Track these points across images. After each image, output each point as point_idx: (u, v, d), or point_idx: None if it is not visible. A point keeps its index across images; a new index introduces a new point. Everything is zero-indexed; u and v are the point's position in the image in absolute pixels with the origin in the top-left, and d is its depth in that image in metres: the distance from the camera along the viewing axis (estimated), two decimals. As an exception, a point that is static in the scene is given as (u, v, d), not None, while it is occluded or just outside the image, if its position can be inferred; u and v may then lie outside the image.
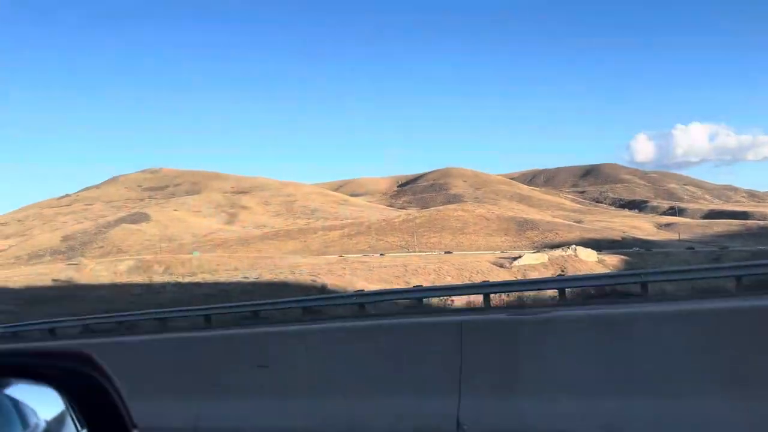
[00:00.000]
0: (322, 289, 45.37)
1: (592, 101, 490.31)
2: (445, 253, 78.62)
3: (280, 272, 57.77)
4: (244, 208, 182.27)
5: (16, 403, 1.41)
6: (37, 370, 1.35)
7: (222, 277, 58.44)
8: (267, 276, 53.42)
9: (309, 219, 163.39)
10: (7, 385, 1.43)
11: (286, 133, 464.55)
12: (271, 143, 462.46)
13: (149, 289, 48.40)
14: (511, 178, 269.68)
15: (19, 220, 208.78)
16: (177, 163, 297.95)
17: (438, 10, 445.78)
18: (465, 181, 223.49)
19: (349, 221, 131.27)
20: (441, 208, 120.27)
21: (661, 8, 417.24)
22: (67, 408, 1.35)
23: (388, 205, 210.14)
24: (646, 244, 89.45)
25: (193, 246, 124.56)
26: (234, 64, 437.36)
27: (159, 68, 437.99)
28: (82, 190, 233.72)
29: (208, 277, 58.36)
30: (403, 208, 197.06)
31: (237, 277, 57.08)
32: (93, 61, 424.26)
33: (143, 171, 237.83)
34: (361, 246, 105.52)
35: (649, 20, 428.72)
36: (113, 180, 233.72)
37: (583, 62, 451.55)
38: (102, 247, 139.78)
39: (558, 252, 69.47)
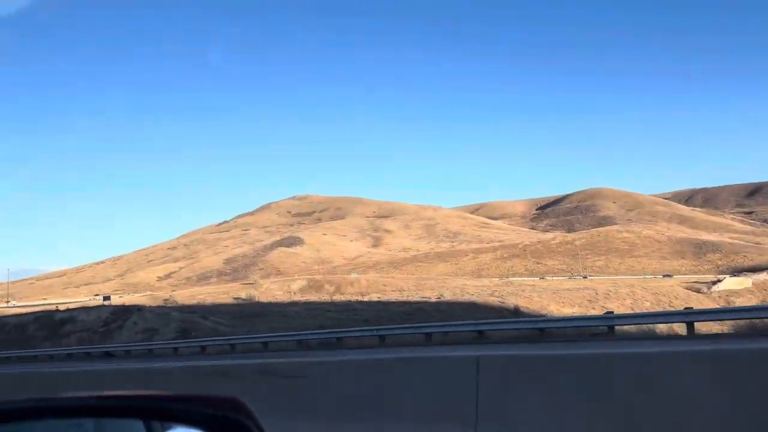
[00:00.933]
0: (516, 311, 43.43)
1: (744, 116, 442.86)
2: (664, 276, 73.01)
3: (457, 293, 56.70)
4: (387, 231, 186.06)
5: None
6: (191, 415, 1.40)
7: (394, 296, 58.45)
8: (448, 296, 52.54)
9: (452, 242, 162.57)
10: (166, 428, 1.49)
11: (419, 157, 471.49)
12: (406, 168, 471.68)
13: (338, 306, 49.46)
14: (664, 199, 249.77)
15: (185, 245, 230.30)
16: (321, 190, 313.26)
17: (581, 25, 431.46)
18: (614, 202, 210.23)
19: (499, 244, 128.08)
20: (602, 229, 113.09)
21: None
22: None
23: (530, 228, 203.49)
24: None
25: (345, 268, 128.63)
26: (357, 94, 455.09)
27: (300, 99, 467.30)
28: (238, 217, 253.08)
29: (383, 297, 58.78)
30: (547, 231, 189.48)
31: (413, 297, 56.78)
32: (243, 94, 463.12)
33: (292, 198, 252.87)
34: (518, 269, 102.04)
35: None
36: (265, 207, 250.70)
37: (720, 76, 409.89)
38: (262, 269, 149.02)
39: (762, 276, 61.59)
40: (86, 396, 1.39)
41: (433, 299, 52.42)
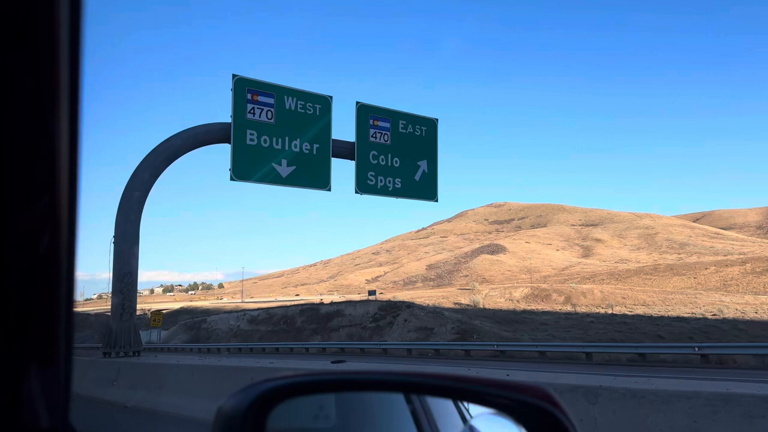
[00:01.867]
0: None
1: None
2: None
3: (726, 310, 48.83)
4: (597, 240, 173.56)
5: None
6: (496, 400, 1.37)
7: (642, 311, 52.30)
8: (729, 313, 45.26)
9: (679, 253, 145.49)
10: (474, 411, 1.51)
11: (620, 162, 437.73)
12: (608, 175, 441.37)
13: (600, 318, 45.20)
14: None
15: (387, 251, 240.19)
16: (516, 197, 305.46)
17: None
18: None
19: (745, 256, 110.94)
20: None
21: None
22: None
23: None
24: None
25: (556, 278, 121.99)
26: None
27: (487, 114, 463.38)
28: (435, 224, 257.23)
29: (635, 311, 52.99)
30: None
31: (672, 312, 50.25)
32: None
33: (488, 205, 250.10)
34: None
35: None
36: (462, 214, 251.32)
37: None
38: (467, 276, 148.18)
39: None
40: (395, 372, 1.40)
41: (709, 316, 45.62)
